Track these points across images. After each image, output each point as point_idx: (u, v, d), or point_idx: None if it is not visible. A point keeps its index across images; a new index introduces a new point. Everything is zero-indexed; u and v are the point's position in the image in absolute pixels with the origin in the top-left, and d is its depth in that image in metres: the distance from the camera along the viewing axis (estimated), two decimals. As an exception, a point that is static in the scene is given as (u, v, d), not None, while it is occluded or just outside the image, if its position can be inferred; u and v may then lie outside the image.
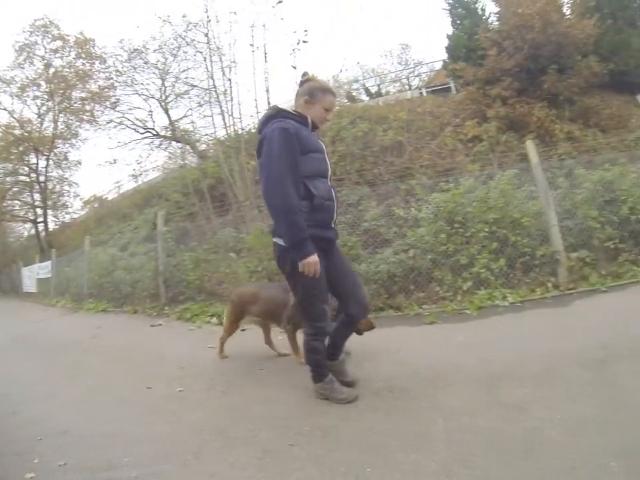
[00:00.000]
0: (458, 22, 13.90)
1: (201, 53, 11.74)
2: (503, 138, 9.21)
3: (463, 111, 10.60)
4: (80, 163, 23.71)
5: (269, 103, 8.97)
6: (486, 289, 5.11)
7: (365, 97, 19.38)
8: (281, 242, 2.75)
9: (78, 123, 21.56)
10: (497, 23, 12.55)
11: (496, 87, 10.45)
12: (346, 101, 16.77)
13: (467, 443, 2.26)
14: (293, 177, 2.58)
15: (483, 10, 14.27)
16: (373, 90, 20.41)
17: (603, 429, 2.24)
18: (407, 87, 20.70)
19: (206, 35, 10.15)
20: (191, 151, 15.27)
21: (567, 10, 12.43)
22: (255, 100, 11.68)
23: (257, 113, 10.18)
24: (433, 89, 15.38)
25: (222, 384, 3.49)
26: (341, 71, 27.36)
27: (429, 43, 62.12)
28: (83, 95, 20.37)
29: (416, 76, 23.03)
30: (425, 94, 14.91)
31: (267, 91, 9.01)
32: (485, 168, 7.33)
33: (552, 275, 5.21)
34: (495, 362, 3.27)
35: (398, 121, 9.85)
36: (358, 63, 33.63)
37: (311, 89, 2.85)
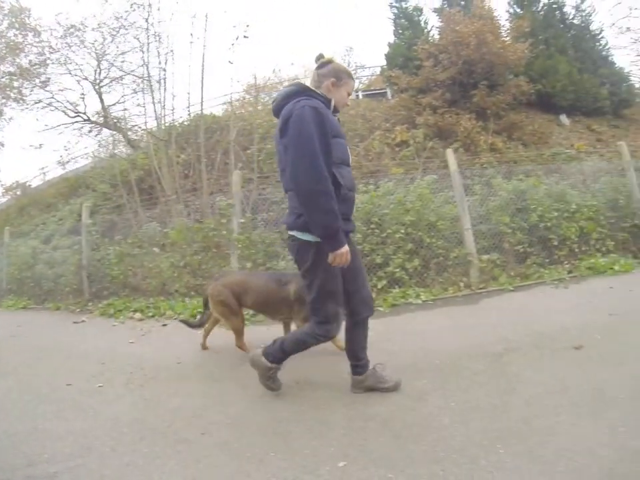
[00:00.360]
0: (400, 32, 14.42)
1: (138, 39, 11.26)
2: (429, 144, 9.49)
3: (394, 116, 10.92)
4: (2, 145, 21.90)
5: (202, 98, 8.79)
6: (400, 287, 5.23)
7: None
8: (301, 235, 2.45)
9: (4, 100, 19.91)
10: (437, 36, 13.04)
11: (428, 96, 10.90)
12: None
13: (364, 429, 2.38)
14: (327, 161, 2.31)
15: (426, 23, 15.00)
16: None
17: (492, 414, 2.44)
18: None
19: (146, 19, 9.76)
20: (123, 140, 14.58)
21: (505, 33, 13.03)
22: (188, 93, 11.58)
23: (189, 106, 9.98)
24: (370, 93, 15.66)
25: (140, 378, 3.47)
26: (276, 70, 26.76)
27: (373, 48, 62.77)
28: (12, 69, 18.93)
29: (356, 79, 23.44)
30: (360, 97, 15.18)
31: (202, 84, 8.78)
32: (409, 172, 7.49)
33: (464, 275, 5.45)
34: (400, 355, 3.40)
35: None
36: (292, 64, 33.78)
37: (337, 72, 2.64)
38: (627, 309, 4.20)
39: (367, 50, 60.25)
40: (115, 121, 15.17)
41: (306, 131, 2.28)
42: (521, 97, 11.69)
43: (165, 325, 4.62)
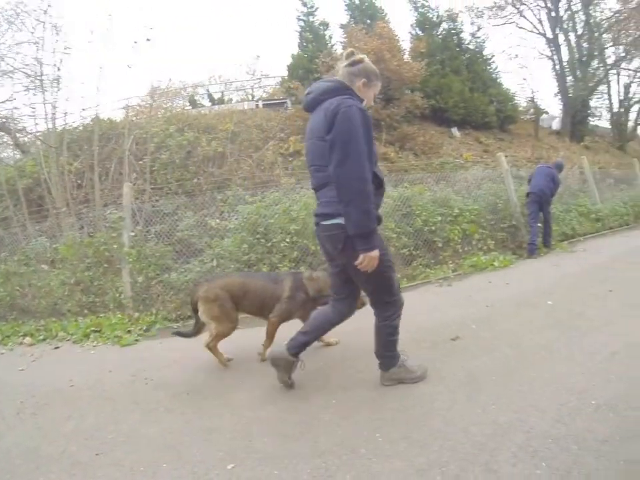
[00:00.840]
0: (304, 44, 14.80)
1: (32, 33, 10.37)
2: None
3: (290, 126, 10.96)
4: None
5: (98, 102, 8.38)
6: None
7: (207, 103, 19.08)
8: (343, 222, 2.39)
9: None
10: (340, 51, 13.30)
11: None
12: (188, 104, 16.42)
13: (250, 432, 2.52)
14: (370, 163, 2.35)
15: (330, 37, 15.66)
16: (216, 96, 20.13)
17: (372, 407, 2.65)
18: (250, 96, 20.75)
19: (45, 11, 9.04)
20: (11, 143, 13.33)
21: (404, 52, 13.71)
22: (82, 97, 11.28)
23: (84, 109, 9.44)
24: (270, 102, 15.65)
25: (32, 406, 3.29)
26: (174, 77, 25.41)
27: (279, 57, 63.23)
28: None
29: (260, 87, 23.31)
30: (260, 106, 15.15)
31: (98, 86, 8.28)
32: (300, 182, 7.54)
33: None
34: None
35: (225, 131, 9.79)
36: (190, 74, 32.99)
37: (368, 72, 2.63)
38: (502, 300, 4.75)
39: (273, 59, 60.07)
40: (4, 120, 13.85)
41: (355, 132, 2.29)
42: (415, 110, 12.48)
43: (57, 348, 4.48)
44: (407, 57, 13.97)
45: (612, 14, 22.86)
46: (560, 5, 22.69)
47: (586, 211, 9.66)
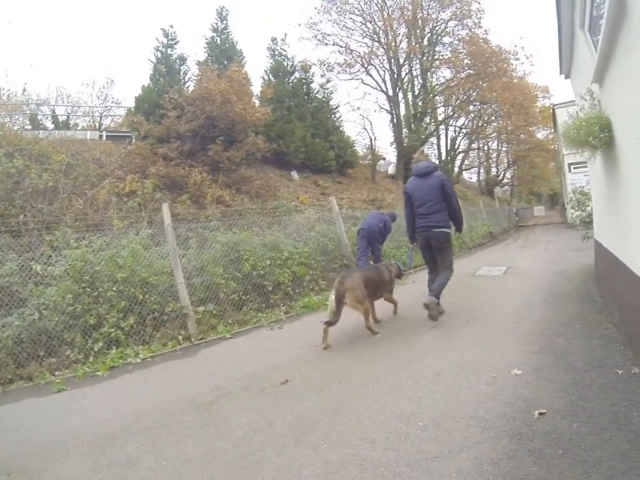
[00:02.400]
0: (157, 77, 13.96)
1: None
2: (157, 196, 9.36)
3: (129, 163, 10.54)
4: None
5: None
6: (117, 347, 5.01)
7: (50, 125, 17.53)
8: (447, 230, 5.32)
9: None
10: (192, 88, 13.20)
11: (164, 147, 10.86)
12: (28, 123, 14.90)
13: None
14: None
15: (185, 74, 15.12)
16: (62, 119, 18.62)
17: (202, 463, 2.60)
18: (96, 124, 19.63)
19: None
20: None
21: (253, 96, 14.04)
22: None
23: None
24: (115, 134, 14.96)
25: None
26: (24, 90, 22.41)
27: (134, 86, 59.66)
28: None
29: (109, 115, 22.20)
30: (104, 138, 14.39)
31: None
32: (133, 225, 7.31)
33: (182, 328, 5.48)
34: (113, 422, 3.31)
35: (59, 162, 8.91)
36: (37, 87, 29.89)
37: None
38: (333, 337, 4.84)
39: (129, 86, 56.82)
40: None
41: (452, 189, 5.43)
42: (257, 153, 12.79)
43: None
44: (255, 100, 14.52)
45: (445, 80, 27.32)
46: (402, 69, 26.39)
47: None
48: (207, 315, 5.75)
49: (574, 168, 19.93)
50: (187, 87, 14.10)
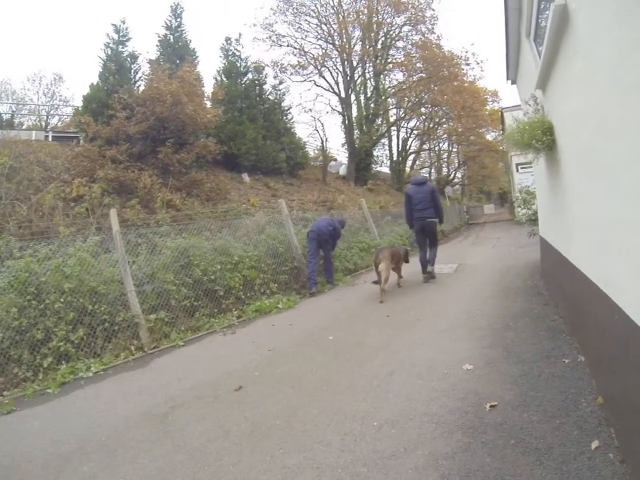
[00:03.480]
0: (106, 75, 13.14)
1: None
2: (105, 200, 9.08)
3: (76, 166, 10.08)
4: None
5: None
6: (68, 362, 4.79)
7: None
8: (436, 220, 7.68)
9: None
10: (143, 88, 12.85)
11: (113, 149, 10.50)
12: None
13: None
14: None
15: (136, 72, 14.38)
16: (5, 117, 17.66)
17: (160, 477, 2.57)
18: (42, 124, 18.59)
19: None
20: None
21: (204, 98, 13.77)
22: None
23: None
24: (62, 135, 14.28)
25: None
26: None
27: (81, 84, 55.86)
28: None
29: (57, 114, 21.06)
30: (50, 139, 13.68)
31: None
32: (81, 231, 7.03)
33: (135, 338, 5.36)
34: (67, 441, 3.19)
35: (1, 166, 8.50)
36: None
37: None
38: (285, 342, 5.00)
39: (77, 84, 53.91)
40: None
41: (439, 197, 7.98)
42: (208, 155, 12.63)
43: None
44: (207, 102, 14.33)
45: (397, 83, 27.85)
46: (355, 71, 26.98)
47: (366, 246, 10.98)
48: (159, 322, 5.66)
49: (521, 168, 20.90)
50: (138, 87, 13.78)
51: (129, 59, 14.21)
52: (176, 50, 15.92)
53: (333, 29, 25.82)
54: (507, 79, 7.27)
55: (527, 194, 9.05)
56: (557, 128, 3.89)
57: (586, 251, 3.20)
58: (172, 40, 16.22)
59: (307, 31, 25.95)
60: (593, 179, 2.73)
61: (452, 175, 42.59)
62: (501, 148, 34.77)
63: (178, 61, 14.88)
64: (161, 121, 11.30)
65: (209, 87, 16.02)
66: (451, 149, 40.53)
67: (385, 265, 6.79)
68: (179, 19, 16.55)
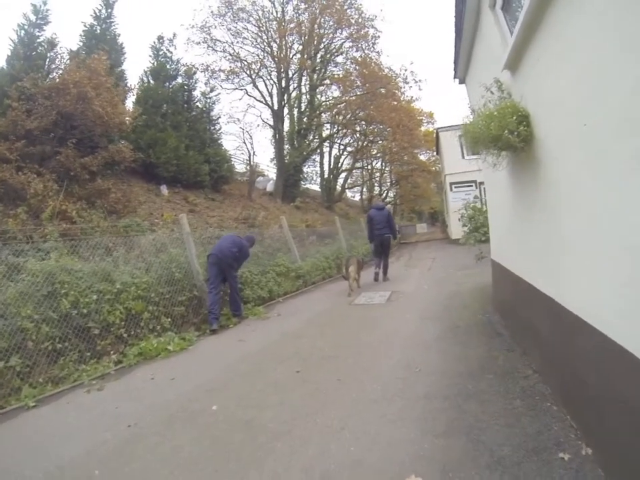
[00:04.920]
0: (14, 60, 11.23)
1: None
2: None
3: None
4: None
5: None
6: None
7: None
8: (390, 236, 10.16)
9: None
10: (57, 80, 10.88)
11: (2, 146, 8.95)
12: None
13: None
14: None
15: (52, 61, 12.21)
16: None
17: None
18: None
19: None
20: None
21: (119, 96, 12.03)
22: None
23: None
24: None
25: None
26: None
27: None
28: None
29: None
30: None
31: None
32: None
33: None
34: None
35: None
36: None
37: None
38: (154, 410, 3.72)
39: None
40: None
41: (392, 216, 11.46)
42: (122, 163, 11.22)
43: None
44: (130, 103, 13.48)
45: (333, 99, 27.33)
46: (291, 84, 26.49)
47: (285, 270, 9.75)
48: (9, 372, 4.28)
49: (455, 187, 21.21)
50: (52, 78, 11.63)
51: (45, 45, 12.23)
52: (102, 42, 14.29)
53: (272, 38, 25.12)
54: (455, 77, 6.57)
55: (473, 210, 8.28)
56: (538, 117, 2.96)
57: (592, 285, 2.24)
58: (98, 31, 14.79)
59: (246, 38, 25.10)
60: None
61: (384, 194, 43.15)
62: (433, 169, 35.75)
63: (106, 47, 13.28)
64: (65, 117, 9.84)
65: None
66: (384, 167, 41.12)
67: (354, 268, 9.16)
68: (109, 10, 15.14)
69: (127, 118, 11.12)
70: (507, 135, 3.01)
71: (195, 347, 5.86)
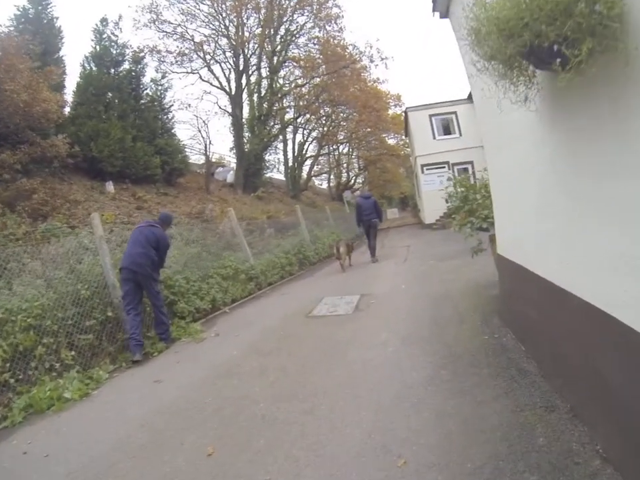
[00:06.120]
0: None
1: None
2: None
3: None
4: None
5: None
6: None
7: None
8: (377, 220, 11.15)
9: None
10: None
11: None
12: None
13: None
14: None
15: None
16: None
17: None
18: None
19: None
20: None
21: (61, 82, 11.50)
22: None
23: None
24: None
25: None
26: None
27: None
28: None
29: None
30: None
31: None
32: None
33: None
34: None
35: None
36: None
37: None
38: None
39: None
40: None
41: (378, 204, 12.05)
42: (55, 158, 9.92)
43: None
44: (69, 94, 12.54)
45: (294, 83, 26.14)
46: (249, 67, 24.58)
47: (233, 272, 8.03)
48: None
49: (426, 169, 20.39)
50: None
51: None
52: (35, 26, 13.15)
53: (229, 17, 23.33)
54: (434, 10, 4.65)
55: (466, 187, 6.08)
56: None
57: None
58: (32, 14, 13.52)
59: (198, 17, 23.18)
60: None
61: (352, 180, 42.15)
62: (402, 153, 34.86)
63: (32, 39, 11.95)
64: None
65: (74, 76, 13.45)
66: (351, 152, 40.01)
67: (344, 249, 10.37)
68: (45, -10, 13.67)
69: (51, 104, 9.63)
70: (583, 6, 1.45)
71: (101, 390, 4.27)
